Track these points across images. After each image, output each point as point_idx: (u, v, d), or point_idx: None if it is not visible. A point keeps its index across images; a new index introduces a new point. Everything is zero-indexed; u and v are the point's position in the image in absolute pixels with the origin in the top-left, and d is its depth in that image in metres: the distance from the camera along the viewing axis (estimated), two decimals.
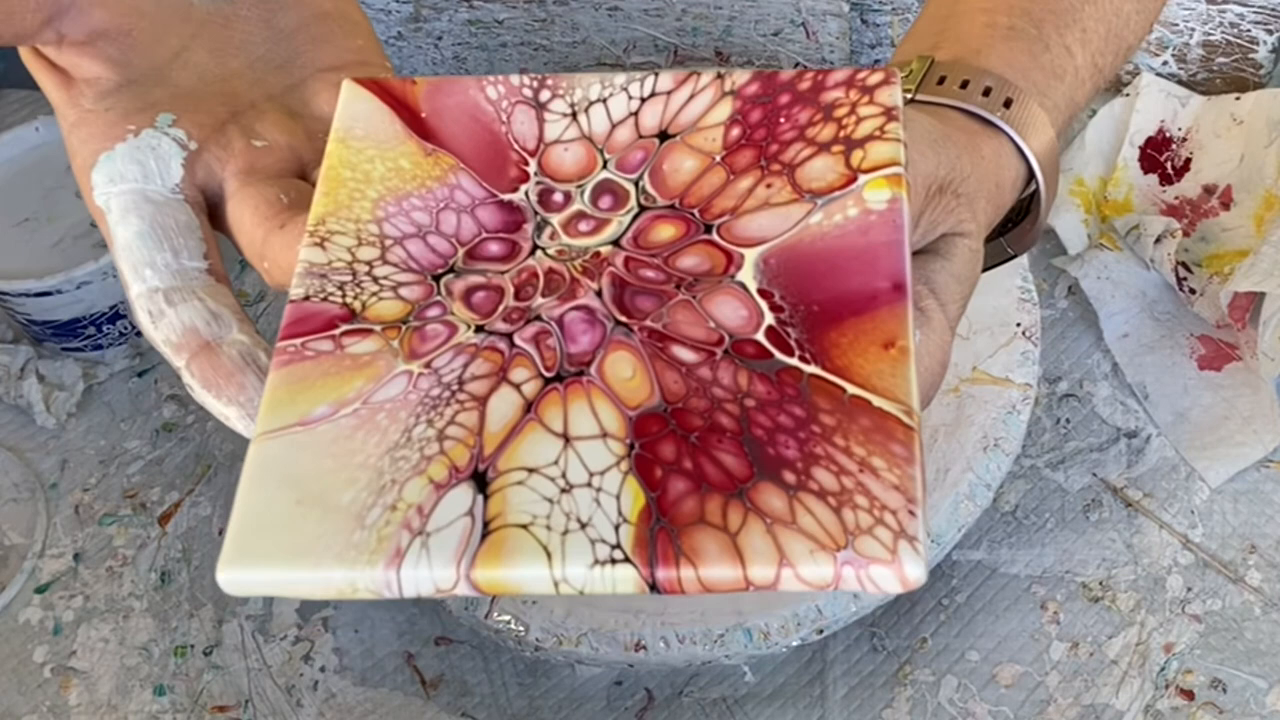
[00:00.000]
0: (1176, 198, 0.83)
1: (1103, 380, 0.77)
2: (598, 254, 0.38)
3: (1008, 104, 0.47)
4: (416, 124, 0.42)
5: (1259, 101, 0.84)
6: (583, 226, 0.39)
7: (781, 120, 0.39)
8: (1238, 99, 0.84)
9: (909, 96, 0.48)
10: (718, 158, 0.39)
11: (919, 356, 0.39)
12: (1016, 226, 0.52)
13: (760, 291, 0.37)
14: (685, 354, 0.36)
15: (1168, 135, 0.85)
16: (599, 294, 0.38)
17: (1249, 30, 0.86)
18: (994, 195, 0.46)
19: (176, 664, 0.73)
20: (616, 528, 0.33)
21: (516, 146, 0.41)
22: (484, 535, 0.33)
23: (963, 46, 0.49)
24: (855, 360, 0.35)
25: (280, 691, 0.72)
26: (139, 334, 0.85)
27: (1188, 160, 0.84)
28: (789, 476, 0.34)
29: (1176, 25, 0.86)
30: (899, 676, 0.69)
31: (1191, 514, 0.72)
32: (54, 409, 0.83)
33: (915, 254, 0.42)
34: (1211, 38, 0.86)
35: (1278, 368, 0.73)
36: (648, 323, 0.37)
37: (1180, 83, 0.87)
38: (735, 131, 0.40)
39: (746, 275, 0.37)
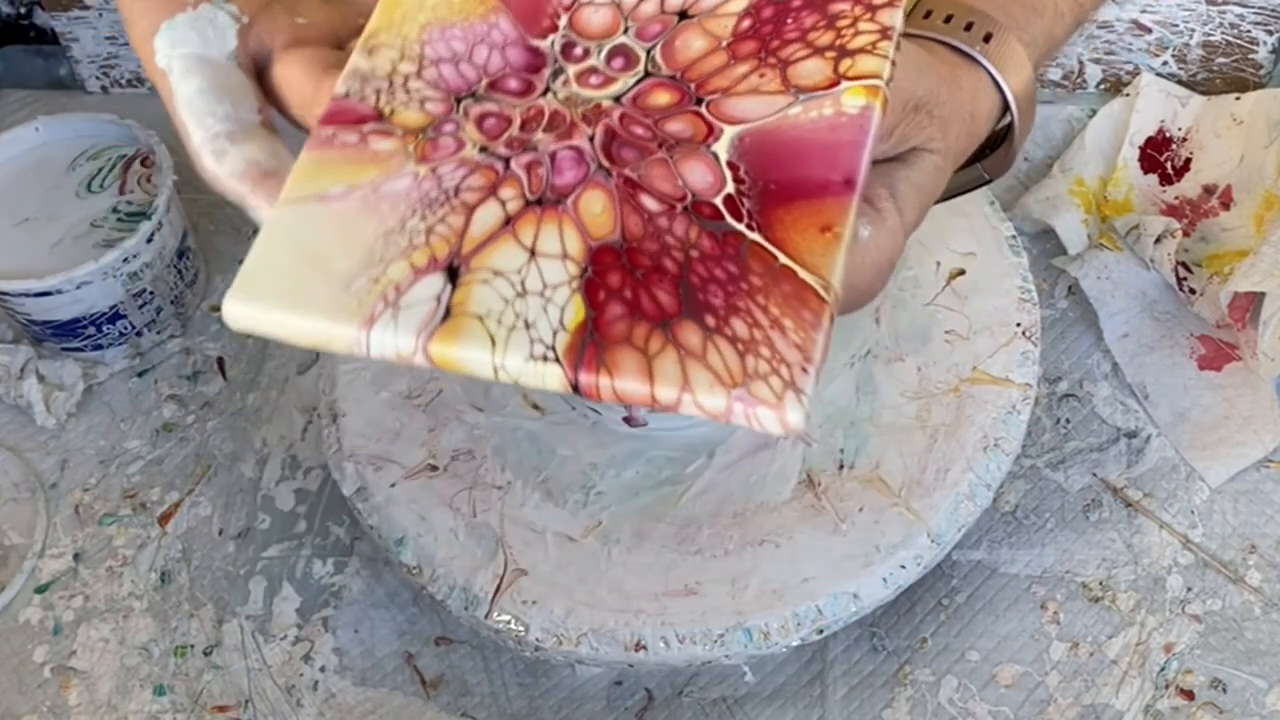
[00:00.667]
0: (1176, 198, 0.83)
1: (1103, 380, 0.77)
2: (599, 106, 0.43)
3: (987, 39, 0.51)
4: None
5: (1259, 101, 0.84)
6: (593, 80, 0.44)
7: (789, 20, 0.43)
8: (1238, 99, 0.84)
9: None
10: (724, 43, 0.43)
11: (868, 249, 0.45)
12: (994, 153, 0.55)
13: (729, 163, 0.41)
14: (651, 203, 0.41)
15: (1168, 135, 0.85)
16: (591, 139, 0.42)
17: (1249, 30, 0.86)
18: (968, 124, 0.50)
19: (176, 664, 0.73)
20: (554, 333, 0.39)
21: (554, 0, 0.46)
22: (445, 318, 0.39)
23: None
24: (794, 236, 0.40)
25: (280, 691, 0.72)
26: (139, 334, 0.85)
27: (1188, 160, 0.84)
28: (709, 320, 0.39)
29: (1176, 25, 0.86)
30: (899, 676, 0.69)
31: (1191, 514, 0.72)
32: (54, 409, 0.83)
33: (885, 162, 0.47)
34: (1211, 38, 0.86)
35: (1278, 368, 0.73)
36: (626, 171, 0.42)
37: (1180, 83, 0.87)
38: (746, 23, 0.44)
39: (721, 147, 0.42)
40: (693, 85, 0.43)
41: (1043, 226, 0.83)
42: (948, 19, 0.52)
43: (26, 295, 0.80)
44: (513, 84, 0.44)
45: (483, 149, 0.43)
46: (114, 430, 0.83)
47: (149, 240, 0.81)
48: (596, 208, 0.41)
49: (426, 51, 0.45)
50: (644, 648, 0.63)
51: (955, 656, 0.69)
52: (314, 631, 0.73)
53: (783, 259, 0.39)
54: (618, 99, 0.43)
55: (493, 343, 0.38)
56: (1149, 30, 0.87)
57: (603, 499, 0.67)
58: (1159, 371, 0.77)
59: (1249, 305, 0.75)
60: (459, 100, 0.44)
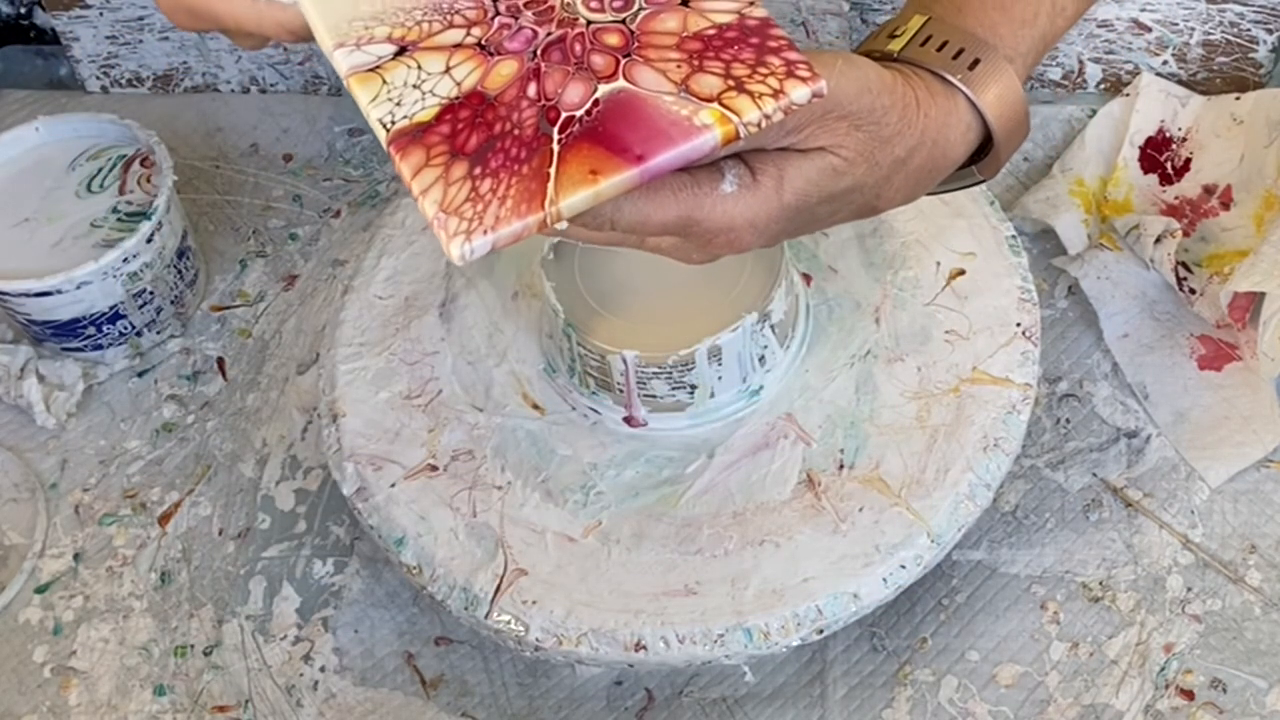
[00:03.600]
0: (1176, 198, 0.83)
1: (1103, 380, 0.77)
2: (575, 20, 0.52)
3: (974, 65, 0.56)
4: None
5: (1259, 101, 0.84)
6: (593, 4, 0.52)
7: (734, 47, 0.50)
8: (1238, 99, 0.84)
9: (896, 53, 0.57)
10: (684, 34, 0.51)
11: (731, 201, 0.52)
12: (984, 159, 0.59)
13: (595, 99, 0.49)
14: (532, 90, 0.50)
15: (1168, 135, 0.85)
16: (548, 35, 0.51)
17: (1249, 30, 0.86)
18: (927, 147, 0.56)
19: (176, 664, 0.73)
20: (405, 117, 0.49)
21: None
22: (370, 69, 0.50)
23: (950, 4, 0.59)
24: (572, 163, 0.48)
25: (280, 691, 0.72)
26: (139, 334, 0.85)
27: (1188, 160, 0.84)
28: (478, 169, 0.48)
29: (1176, 25, 0.86)
30: (899, 676, 0.69)
31: (1191, 514, 0.72)
32: (54, 409, 0.83)
33: (788, 150, 0.53)
34: (1211, 37, 0.86)
35: (1278, 368, 0.73)
36: (542, 64, 0.51)
37: (1180, 83, 0.87)
38: (711, 31, 0.51)
39: (603, 89, 0.50)
40: (635, 44, 0.51)
41: (1043, 226, 0.83)
42: (941, 46, 0.57)
43: (26, 295, 0.80)
44: None
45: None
46: (114, 430, 0.83)
47: (149, 240, 0.81)
48: (505, 71, 0.50)
49: None
50: (644, 648, 0.63)
51: (955, 656, 0.69)
52: (314, 631, 0.73)
53: (551, 169, 0.48)
54: (589, 24, 0.51)
55: (374, 96, 0.49)
56: (1149, 29, 0.87)
57: (603, 499, 0.67)
58: (1159, 371, 0.77)
59: (1249, 305, 0.75)
60: None
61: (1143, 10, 0.86)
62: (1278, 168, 0.81)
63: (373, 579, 0.75)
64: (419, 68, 0.51)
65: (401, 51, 0.51)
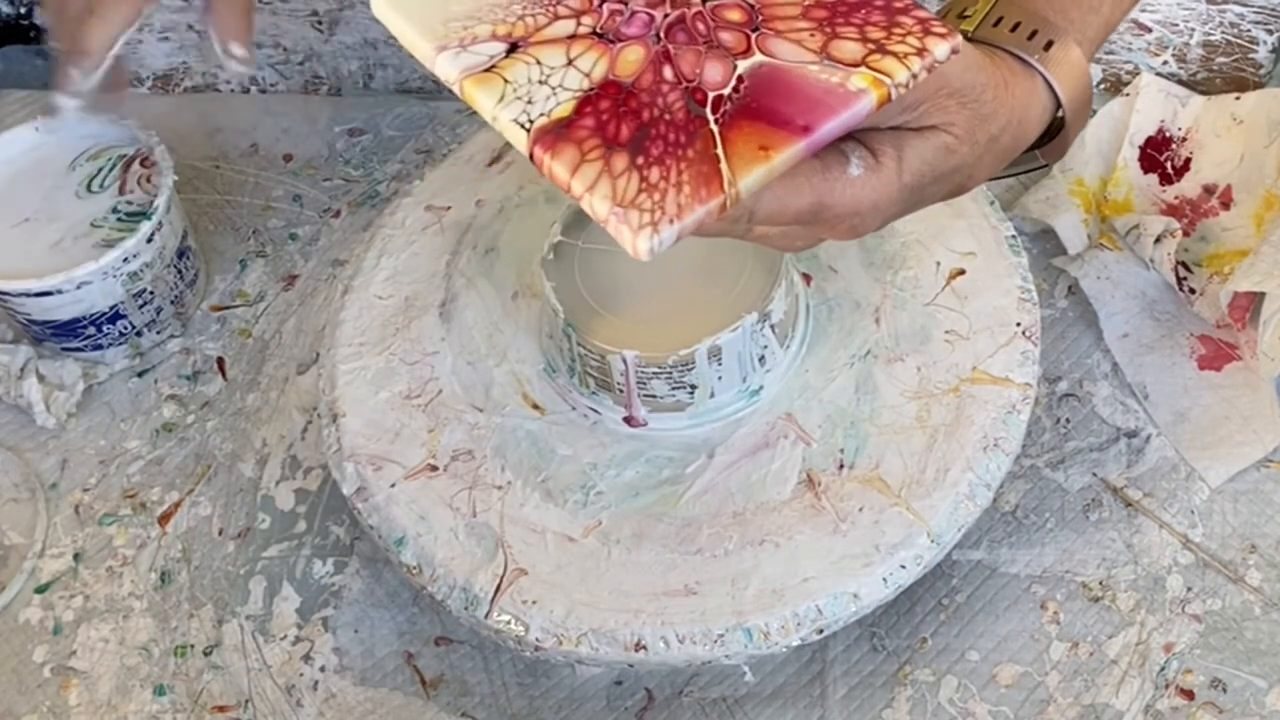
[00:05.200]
0: (1176, 197, 0.83)
1: (1103, 380, 0.77)
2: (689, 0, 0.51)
3: (1048, 46, 0.57)
4: None
5: (1259, 101, 0.83)
6: None
7: (862, 10, 0.50)
8: (1238, 99, 0.84)
9: (969, 33, 0.58)
10: (805, 3, 0.51)
11: (857, 185, 0.52)
12: (1050, 142, 0.61)
13: (739, 76, 0.49)
14: (668, 73, 0.49)
15: (1168, 135, 0.85)
16: (666, 16, 0.51)
17: (1249, 30, 0.86)
18: (1015, 126, 0.56)
19: (176, 664, 0.73)
20: (541, 115, 0.48)
21: None
22: (486, 70, 0.49)
23: None
24: (738, 141, 0.47)
25: (280, 691, 0.72)
26: (139, 334, 0.85)
27: (1188, 160, 0.84)
28: (640, 159, 0.47)
29: (1176, 25, 0.86)
30: (899, 676, 0.69)
31: (1191, 514, 0.72)
32: (54, 409, 0.83)
33: (903, 130, 0.53)
34: (1211, 37, 0.86)
35: (1278, 368, 0.73)
36: (670, 46, 0.50)
37: (1180, 82, 0.87)
38: None
39: (744, 64, 0.49)
40: (759, 17, 0.50)
41: (1043, 226, 0.83)
42: (1014, 27, 0.57)
43: (26, 295, 0.80)
44: None
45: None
46: (114, 430, 0.83)
47: (149, 240, 0.81)
48: (633, 57, 0.49)
49: None
50: (644, 648, 0.63)
51: (955, 656, 0.69)
52: (314, 631, 0.73)
53: (716, 150, 0.47)
54: (704, 1, 0.51)
55: (501, 98, 0.48)
56: (1149, 30, 0.87)
57: (603, 499, 0.67)
58: (1159, 371, 0.77)
59: (1249, 305, 0.75)
60: None
61: (1143, 10, 0.86)
62: (1278, 168, 0.81)
63: (373, 579, 0.75)
64: (539, 63, 0.49)
65: (514, 49, 0.49)
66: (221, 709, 0.72)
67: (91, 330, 0.83)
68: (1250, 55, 0.87)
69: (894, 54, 0.48)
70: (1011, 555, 0.72)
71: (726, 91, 0.48)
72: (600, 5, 0.51)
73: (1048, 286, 0.82)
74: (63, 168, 0.86)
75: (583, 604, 0.64)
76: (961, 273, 0.73)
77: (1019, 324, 0.70)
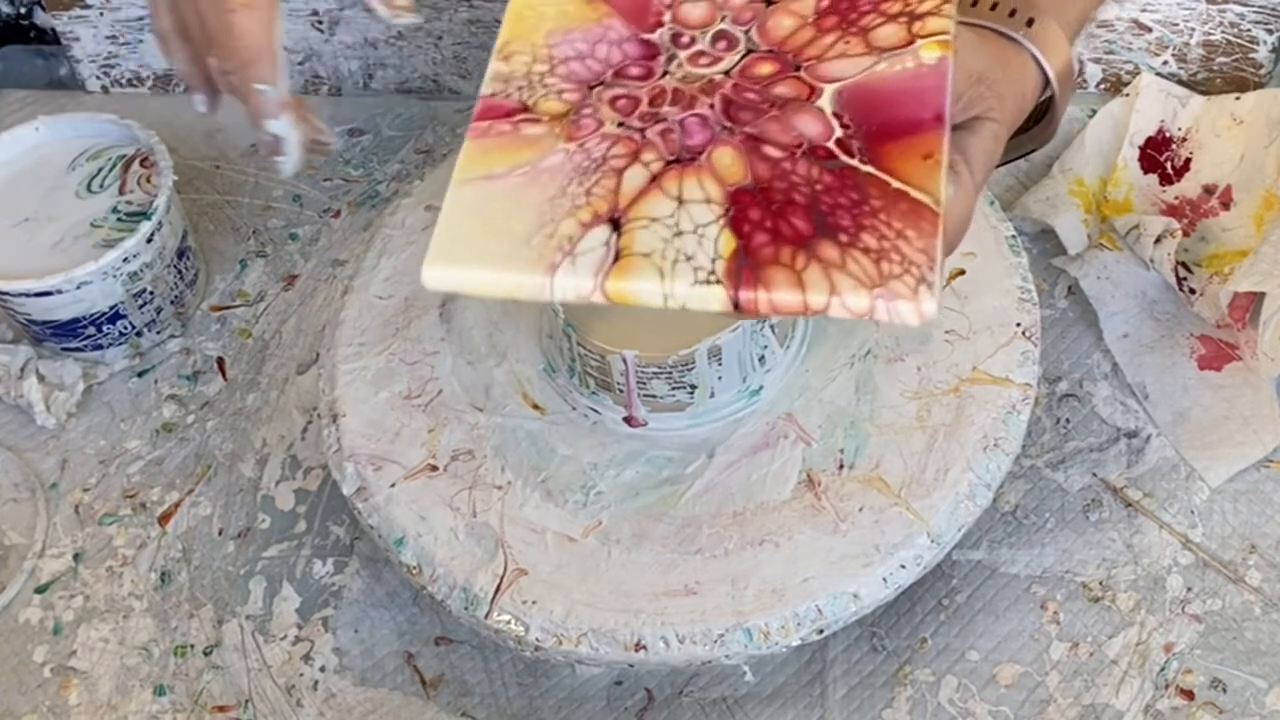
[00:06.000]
0: (1176, 198, 0.83)
1: (1103, 380, 0.77)
2: (712, 80, 0.51)
3: (1029, 23, 0.57)
4: None
5: (1259, 101, 0.84)
6: (703, 60, 0.51)
7: None
8: (1238, 99, 0.84)
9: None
10: (809, 19, 0.51)
11: (953, 203, 0.50)
12: (1036, 126, 0.61)
13: (834, 114, 0.48)
14: (773, 152, 0.48)
15: (1168, 135, 0.85)
16: (712, 107, 0.50)
17: (1249, 30, 0.86)
18: (1018, 99, 0.56)
19: (176, 664, 0.73)
20: (713, 261, 0.46)
21: (657, 1, 0.54)
22: (615, 259, 0.46)
23: None
24: (901, 165, 0.47)
25: (280, 691, 0.72)
26: (139, 334, 0.85)
27: (1188, 160, 0.84)
28: (842, 237, 0.45)
29: (1176, 25, 0.86)
30: (899, 676, 0.69)
31: (1191, 514, 0.72)
32: (54, 409, 0.83)
33: (954, 130, 0.52)
34: (1211, 38, 0.86)
35: (1278, 368, 0.73)
36: (746, 128, 0.49)
37: (1180, 82, 0.87)
38: (825, 3, 0.52)
39: (824, 102, 0.49)
40: (790, 56, 0.50)
41: (1043, 226, 0.83)
42: (993, 6, 0.57)
43: (26, 295, 0.80)
44: (635, 70, 0.52)
45: (619, 124, 0.50)
46: (114, 430, 0.83)
47: (149, 240, 0.81)
48: (727, 159, 0.48)
49: (554, 53, 0.53)
50: (644, 648, 0.63)
51: (955, 656, 0.69)
52: (314, 631, 0.73)
53: (895, 184, 0.46)
54: (727, 73, 0.50)
55: (661, 275, 0.45)
56: (1149, 30, 0.87)
57: (603, 499, 0.67)
58: (1159, 371, 0.77)
59: (1249, 305, 0.75)
60: (591, 88, 0.52)
61: (1143, 10, 0.86)
62: (1278, 168, 0.81)
63: (373, 579, 0.75)
64: (654, 220, 0.47)
65: (617, 225, 0.47)
66: (221, 709, 0.72)
67: (91, 330, 0.83)
68: (1250, 55, 0.87)
69: (923, 16, 0.49)
70: (1011, 555, 0.72)
71: (839, 134, 0.47)
72: (644, 138, 0.49)
73: (1048, 286, 0.82)
74: (63, 168, 0.86)
75: (583, 604, 0.64)
76: (961, 273, 0.73)
77: (1019, 324, 0.70)
